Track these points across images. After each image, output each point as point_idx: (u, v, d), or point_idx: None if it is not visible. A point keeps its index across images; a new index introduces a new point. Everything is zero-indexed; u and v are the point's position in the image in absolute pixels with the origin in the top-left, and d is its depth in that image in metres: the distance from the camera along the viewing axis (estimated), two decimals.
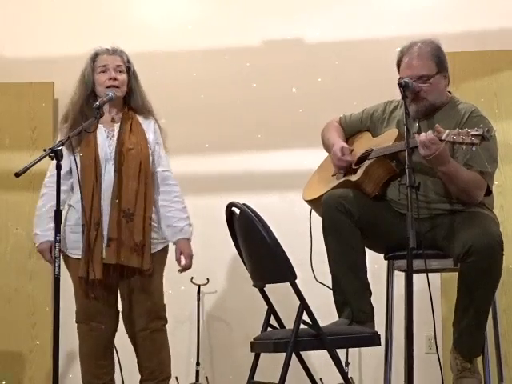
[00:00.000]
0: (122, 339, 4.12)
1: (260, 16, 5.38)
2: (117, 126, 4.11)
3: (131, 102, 4.17)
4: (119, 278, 4.02)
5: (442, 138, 3.37)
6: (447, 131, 3.37)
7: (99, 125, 4.06)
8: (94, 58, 4.14)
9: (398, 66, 3.73)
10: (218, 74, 5.39)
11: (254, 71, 5.38)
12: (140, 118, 4.16)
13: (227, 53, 5.40)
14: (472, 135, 3.29)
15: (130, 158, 4.02)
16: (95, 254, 3.94)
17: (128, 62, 4.16)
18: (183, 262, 4.12)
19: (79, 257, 4.00)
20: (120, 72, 4.11)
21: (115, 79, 4.08)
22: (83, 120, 3.95)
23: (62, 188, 3.95)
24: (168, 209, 4.12)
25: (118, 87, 4.08)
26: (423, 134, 3.44)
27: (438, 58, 3.67)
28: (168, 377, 4.13)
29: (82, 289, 4.01)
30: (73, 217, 4.06)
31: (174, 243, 4.13)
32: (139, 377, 4.13)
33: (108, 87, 4.05)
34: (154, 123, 4.19)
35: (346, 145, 3.86)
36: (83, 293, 4.01)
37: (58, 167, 3.52)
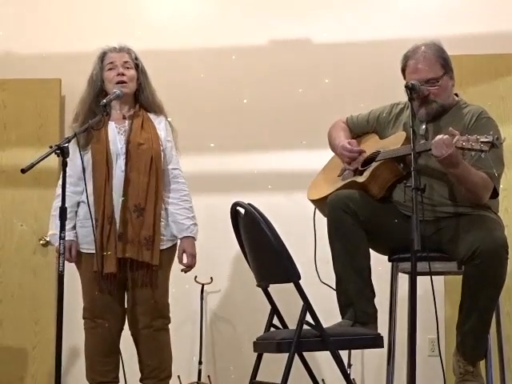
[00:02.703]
0: (124, 338, 4.12)
1: (268, 16, 5.38)
2: (128, 123, 4.12)
3: (141, 99, 4.18)
4: (128, 272, 4.02)
5: (452, 143, 3.35)
6: (457, 137, 3.35)
7: (110, 122, 4.09)
8: (102, 56, 4.17)
9: (403, 70, 3.71)
10: (225, 74, 5.40)
11: (261, 71, 5.38)
12: (151, 115, 4.17)
13: (234, 52, 5.40)
14: (481, 142, 3.27)
15: (141, 153, 4.03)
16: (109, 249, 3.95)
17: (136, 58, 4.18)
18: (185, 260, 4.12)
19: (89, 251, 4.01)
20: (128, 68, 4.13)
21: (123, 74, 4.09)
22: (92, 118, 3.95)
23: (76, 189, 4.00)
24: (176, 206, 4.12)
25: (125, 82, 4.09)
26: (440, 135, 3.43)
27: (443, 59, 3.66)
28: (169, 376, 4.12)
29: (94, 284, 4.00)
30: (82, 211, 4.07)
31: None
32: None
33: (117, 83, 4.07)
34: (165, 121, 4.20)
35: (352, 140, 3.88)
36: (96, 288, 4.00)
37: (64, 164, 3.52)
